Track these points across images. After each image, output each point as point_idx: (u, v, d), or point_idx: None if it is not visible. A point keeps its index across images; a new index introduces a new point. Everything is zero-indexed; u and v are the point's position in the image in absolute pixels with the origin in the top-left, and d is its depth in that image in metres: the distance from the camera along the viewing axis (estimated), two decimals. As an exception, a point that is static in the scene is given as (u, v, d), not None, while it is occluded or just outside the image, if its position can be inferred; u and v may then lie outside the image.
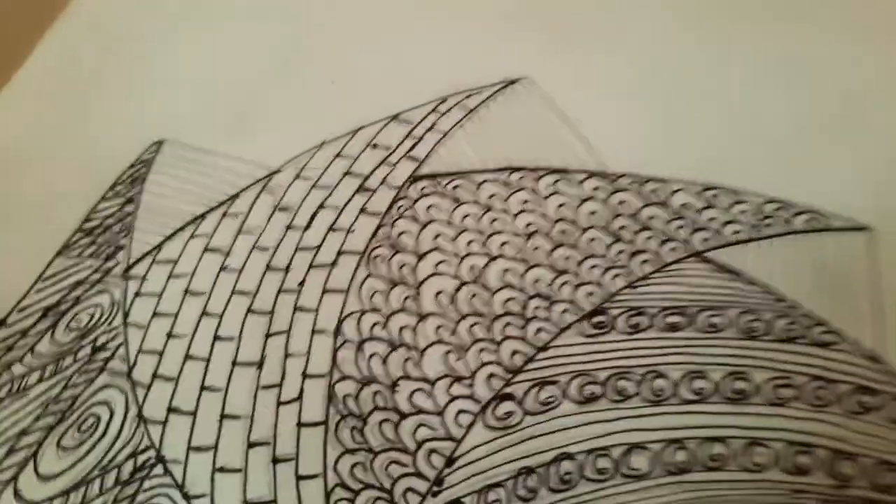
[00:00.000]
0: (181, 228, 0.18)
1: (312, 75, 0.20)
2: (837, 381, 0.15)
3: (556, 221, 0.17)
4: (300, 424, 0.15)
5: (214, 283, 0.17)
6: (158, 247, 0.18)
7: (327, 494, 0.15)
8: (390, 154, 0.18)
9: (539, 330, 0.16)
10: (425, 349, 0.16)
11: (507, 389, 0.15)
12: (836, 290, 0.16)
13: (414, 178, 0.18)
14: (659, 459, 0.14)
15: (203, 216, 0.18)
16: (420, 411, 0.15)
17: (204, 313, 0.17)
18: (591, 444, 0.15)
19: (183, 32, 0.22)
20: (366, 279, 0.17)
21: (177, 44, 0.22)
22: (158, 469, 0.15)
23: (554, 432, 0.15)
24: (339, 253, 0.17)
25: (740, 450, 0.14)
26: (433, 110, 0.19)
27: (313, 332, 0.17)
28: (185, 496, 0.15)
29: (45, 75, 0.22)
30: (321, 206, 0.18)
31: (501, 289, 0.16)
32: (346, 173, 0.18)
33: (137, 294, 0.17)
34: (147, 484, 0.15)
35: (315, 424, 0.15)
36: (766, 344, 0.15)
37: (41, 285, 0.18)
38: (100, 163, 0.20)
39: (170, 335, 0.17)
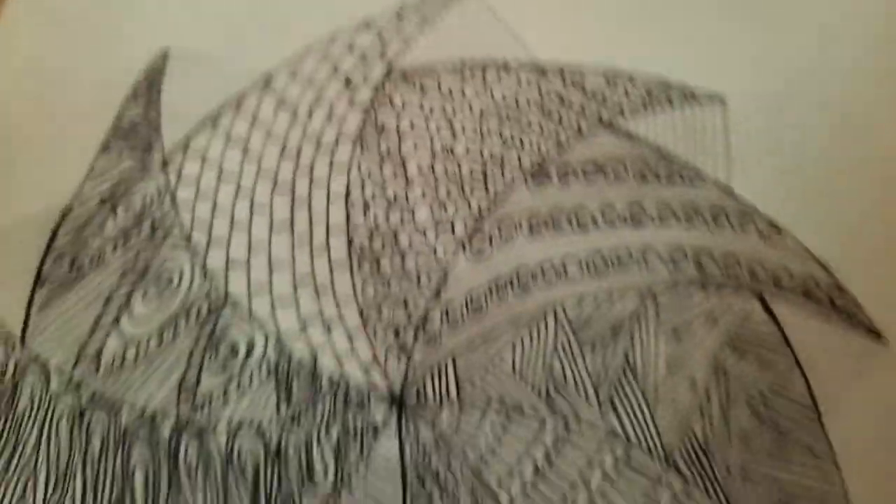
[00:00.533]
0: (202, 125, 0.22)
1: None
2: (702, 207, 0.22)
3: (502, 105, 0.23)
4: (331, 265, 0.21)
5: (241, 168, 0.22)
6: (186, 142, 0.22)
7: (360, 312, 0.20)
8: (366, 55, 0.23)
9: (496, 186, 0.22)
10: (415, 206, 0.22)
11: (478, 227, 0.21)
12: (700, 147, 0.22)
13: (388, 74, 0.23)
14: (586, 265, 0.21)
15: (218, 115, 0.23)
16: (417, 251, 0.21)
17: (237, 193, 0.22)
18: (540, 261, 0.21)
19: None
20: (361, 158, 0.22)
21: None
22: (227, 309, 0.21)
23: (513, 253, 0.21)
24: (338, 139, 0.22)
25: (639, 255, 0.21)
26: (397, 17, 0.23)
27: (328, 200, 0.22)
28: (253, 325, 0.20)
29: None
30: (316, 101, 0.23)
31: (468, 159, 0.22)
32: (333, 72, 0.23)
33: (178, 180, 0.22)
34: (221, 321, 0.20)
35: (342, 264, 0.21)
36: (655, 185, 0.22)
37: (91, 182, 0.22)
38: (116, 74, 0.23)
39: (213, 209, 0.21)
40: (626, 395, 0.20)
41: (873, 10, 0.23)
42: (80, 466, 0.19)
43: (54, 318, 0.20)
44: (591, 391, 0.20)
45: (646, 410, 0.20)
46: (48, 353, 0.20)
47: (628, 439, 0.20)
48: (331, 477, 0.19)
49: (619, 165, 0.22)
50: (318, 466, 0.19)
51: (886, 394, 0.20)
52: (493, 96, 0.23)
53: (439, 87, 0.23)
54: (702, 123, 0.22)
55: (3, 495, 0.19)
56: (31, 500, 0.19)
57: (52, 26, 0.24)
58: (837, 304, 0.21)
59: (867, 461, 0.20)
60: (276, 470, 0.19)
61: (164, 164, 0.22)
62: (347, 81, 0.23)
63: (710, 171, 0.22)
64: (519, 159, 0.22)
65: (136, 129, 0.22)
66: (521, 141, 0.22)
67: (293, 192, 0.22)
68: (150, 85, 0.23)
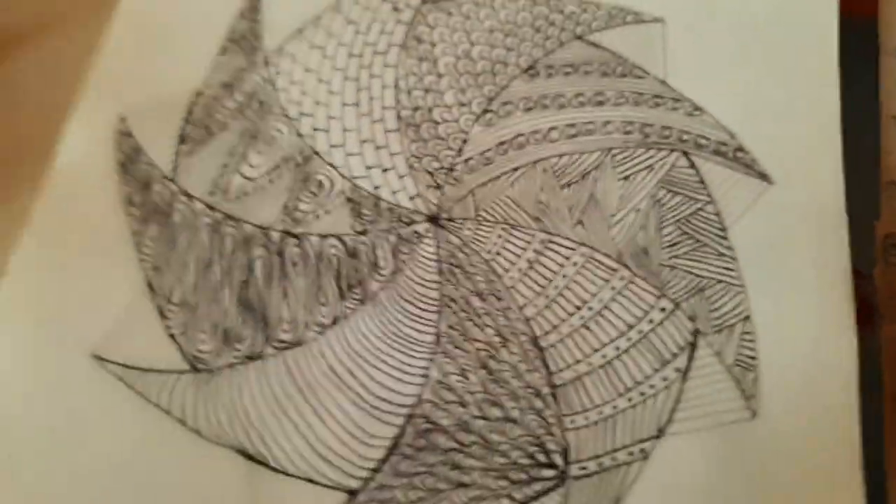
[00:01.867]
0: (292, 35, 0.31)
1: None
2: (646, 93, 0.31)
3: (505, 22, 0.32)
4: (386, 130, 0.30)
5: (320, 65, 0.31)
6: (281, 47, 0.31)
7: (407, 161, 0.29)
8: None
9: (501, 79, 0.31)
10: (444, 91, 0.31)
11: (489, 107, 0.30)
12: (646, 53, 0.31)
13: (423, 1, 0.32)
14: (563, 132, 0.30)
15: (303, 28, 0.31)
16: (446, 120, 0.30)
17: (319, 81, 0.31)
18: (532, 129, 0.30)
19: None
20: (405, 59, 0.31)
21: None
22: (314, 160, 0.29)
23: (513, 124, 0.30)
24: (389, 45, 0.31)
25: (601, 126, 0.30)
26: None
27: (382, 87, 0.31)
28: (332, 170, 0.29)
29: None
30: (373, 19, 0.32)
31: (481, 60, 0.31)
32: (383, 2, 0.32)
33: (277, 73, 0.31)
34: (310, 167, 0.29)
35: (393, 130, 0.30)
36: (613, 78, 0.31)
37: (214, 73, 0.31)
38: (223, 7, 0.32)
39: (302, 93, 0.30)
40: (591, 218, 0.29)
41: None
42: (217, 260, 0.28)
43: (195, 164, 0.29)
44: (566, 215, 0.29)
45: (604, 227, 0.29)
46: (191, 187, 0.29)
47: (592, 247, 0.29)
48: (390, 266, 0.28)
49: (587, 65, 0.31)
50: (381, 262, 0.28)
51: (771, 215, 0.29)
52: (498, 16, 0.32)
53: (461, 10, 0.32)
54: (647, 36, 0.31)
55: (164, 279, 0.28)
56: (185, 281, 0.28)
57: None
58: (739, 158, 0.30)
59: (759, 258, 0.28)
60: (351, 263, 0.28)
61: (266, 62, 0.31)
62: (395, 6, 0.32)
63: (652, 70, 0.31)
64: (517, 60, 0.31)
65: (245, 37, 0.31)
66: (519, 48, 0.31)
67: (358, 80, 0.31)
68: (253, 7, 0.32)
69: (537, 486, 0.25)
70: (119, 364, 0.26)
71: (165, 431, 0.25)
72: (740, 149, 0.30)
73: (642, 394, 0.26)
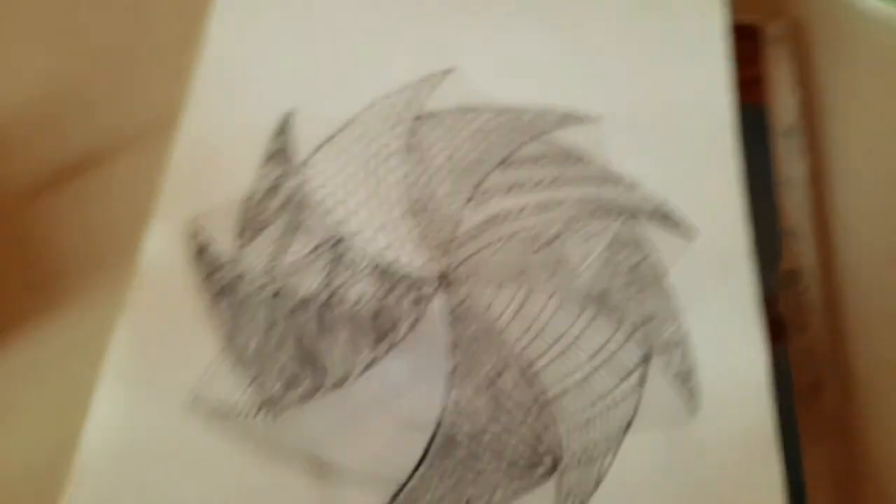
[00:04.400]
0: (316, 149, 0.40)
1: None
2: (592, 175, 0.40)
3: (481, 130, 0.41)
4: (397, 215, 0.38)
5: (339, 171, 0.39)
6: (308, 159, 0.40)
7: (416, 239, 0.38)
8: (404, 106, 0.41)
9: (482, 171, 0.40)
10: (438, 185, 0.39)
11: (473, 194, 0.39)
12: (590, 144, 0.41)
13: (416, 118, 0.41)
14: (533, 208, 0.39)
15: (323, 143, 0.40)
16: (441, 208, 0.39)
17: (340, 184, 0.39)
18: (509, 208, 0.39)
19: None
20: (406, 161, 0.40)
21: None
22: (343, 242, 0.38)
23: (494, 205, 0.39)
24: (389, 154, 0.40)
25: (560, 203, 0.39)
26: (417, 86, 0.42)
27: (389, 186, 0.39)
28: (358, 251, 0.37)
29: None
30: (373, 138, 0.41)
31: (465, 159, 0.40)
32: (386, 118, 0.41)
33: (306, 179, 0.39)
34: (340, 247, 0.37)
35: (402, 216, 0.38)
36: (566, 166, 0.40)
37: (260, 180, 0.39)
38: (266, 119, 0.41)
39: (327, 194, 0.39)
40: (560, 272, 0.38)
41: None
42: (273, 326, 0.36)
43: (249, 251, 0.37)
44: (541, 272, 0.37)
45: (572, 279, 0.37)
46: (248, 269, 0.37)
47: (564, 294, 0.37)
48: (411, 318, 0.36)
49: (546, 158, 0.40)
50: (403, 315, 0.36)
51: (696, 260, 0.38)
52: (472, 126, 0.41)
53: (444, 123, 0.41)
54: (591, 132, 0.41)
55: (236, 341, 0.35)
56: (253, 341, 0.35)
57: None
58: (669, 219, 0.39)
59: (691, 294, 0.37)
60: (379, 320, 0.36)
61: (297, 171, 0.40)
62: (392, 125, 0.41)
63: (596, 157, 0.40)
64: (492, 157, 0.40)
65: (280, 152, 0.40)
66: (492, 148, 0.41)
67: (367, 182, 0.39)
68: (283, 129, 0.41)
69: (539, 471, 0.32)
70: (205, 411, 0.33)
71: (246, 463, 0.32)
72: (669, 212, 0.39)
73: (609, 403, 0.34)
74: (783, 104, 0.44)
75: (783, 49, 0.46)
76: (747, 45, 0.44)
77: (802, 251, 0.41)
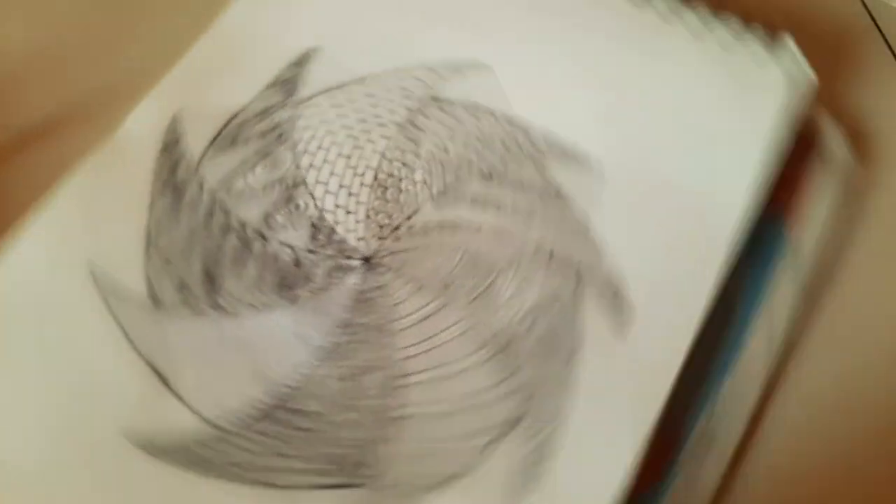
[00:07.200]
0: (320, 90, 0.40)
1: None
2: (566, 226, 0.38)
3: (479, 131, 0.40)
4: (361, 183, 0.38)
5: (333, 120, 0.40)
6: (309, 97, 0.40)
7: (366, 211, 0.38)
8: (417, 84, 0.41)
9: (463, 175, 0.39)
10: (415, 169, 0.39)
11: (443, 191, 0.38)
12: (581, 195, 0.39)
13: (432, 98, 0.40)
14: (494, 230, 0.38)
15: (330, 87, 0.40)
16: (408, 191, 0.38)
17: (326, 131, 0.39)
18: (468, 218, 0.38)
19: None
20: (397, 135, 0.40)
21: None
22: (301, 186, 0.38)
23: (456, 211, 0.38)
24: (389, 121, 0.40)
25: (519, 236, 0.38)
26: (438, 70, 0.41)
27: (373, 151, 0.39)
28: (309, 198, 0.38)
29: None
30: (386, 99, 0.40)
31: (454, 155, 0.39)
32: (396, 88, 0.41)
33: (300, 115, 0.40)
34: (296, 190, 0.38)
35: (367, 184, 0.38)
36: (548, 201, 0.38)
37: (255, 102, 0.40)
38: (286, 51, 0.41)
39: (311, 136, 0.39)
40: (482, 302, 0.37)
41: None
42: (201, 234, 0.37)
43: (215, 163, 0.39)
44: (465, 293, 0.37)
45: (490, 313, 0.36)
46: (208, 176, 0.38)
47: (473, 324, 0.36)
48: (320, 283, 0.36)
49: (531, 186, 0.39)
50: (315, 278, 0.37)
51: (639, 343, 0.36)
52: (478, 125, 0.40)
53: (454, 113, 0.40)
54: (587, 177, 0.39)
55: (161, 236, 0.37)
56: (173, 241, 0.37)
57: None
58: (618, 300, 0.36)
59: (592, 393, 0.35)
60: (294, 270, 0.37)
61: (296, 104, 0.40)
62: (406, 95, 0.41)
63: (577, 204, 0.38)
64: (479, 164, 0.39)
65: (288, 81, 0.41)
66: (484, 154, 0.39)
67: (357, 139, 0.39)
68: (301, 62, 0.41)
69: (340, 479, 0.32)
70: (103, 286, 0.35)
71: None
72: (621, 295, 0.37)
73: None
74: (809, 231, 0.40)
75: (835, 178, 0.41)
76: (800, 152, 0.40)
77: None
